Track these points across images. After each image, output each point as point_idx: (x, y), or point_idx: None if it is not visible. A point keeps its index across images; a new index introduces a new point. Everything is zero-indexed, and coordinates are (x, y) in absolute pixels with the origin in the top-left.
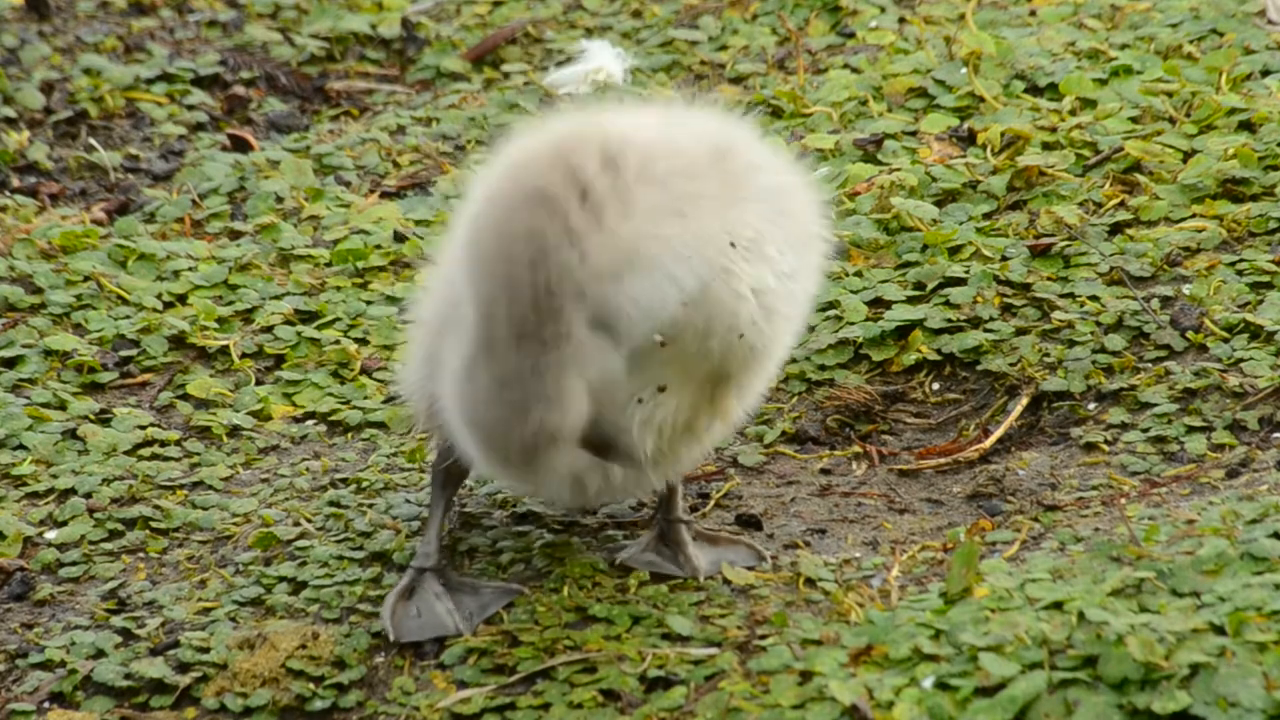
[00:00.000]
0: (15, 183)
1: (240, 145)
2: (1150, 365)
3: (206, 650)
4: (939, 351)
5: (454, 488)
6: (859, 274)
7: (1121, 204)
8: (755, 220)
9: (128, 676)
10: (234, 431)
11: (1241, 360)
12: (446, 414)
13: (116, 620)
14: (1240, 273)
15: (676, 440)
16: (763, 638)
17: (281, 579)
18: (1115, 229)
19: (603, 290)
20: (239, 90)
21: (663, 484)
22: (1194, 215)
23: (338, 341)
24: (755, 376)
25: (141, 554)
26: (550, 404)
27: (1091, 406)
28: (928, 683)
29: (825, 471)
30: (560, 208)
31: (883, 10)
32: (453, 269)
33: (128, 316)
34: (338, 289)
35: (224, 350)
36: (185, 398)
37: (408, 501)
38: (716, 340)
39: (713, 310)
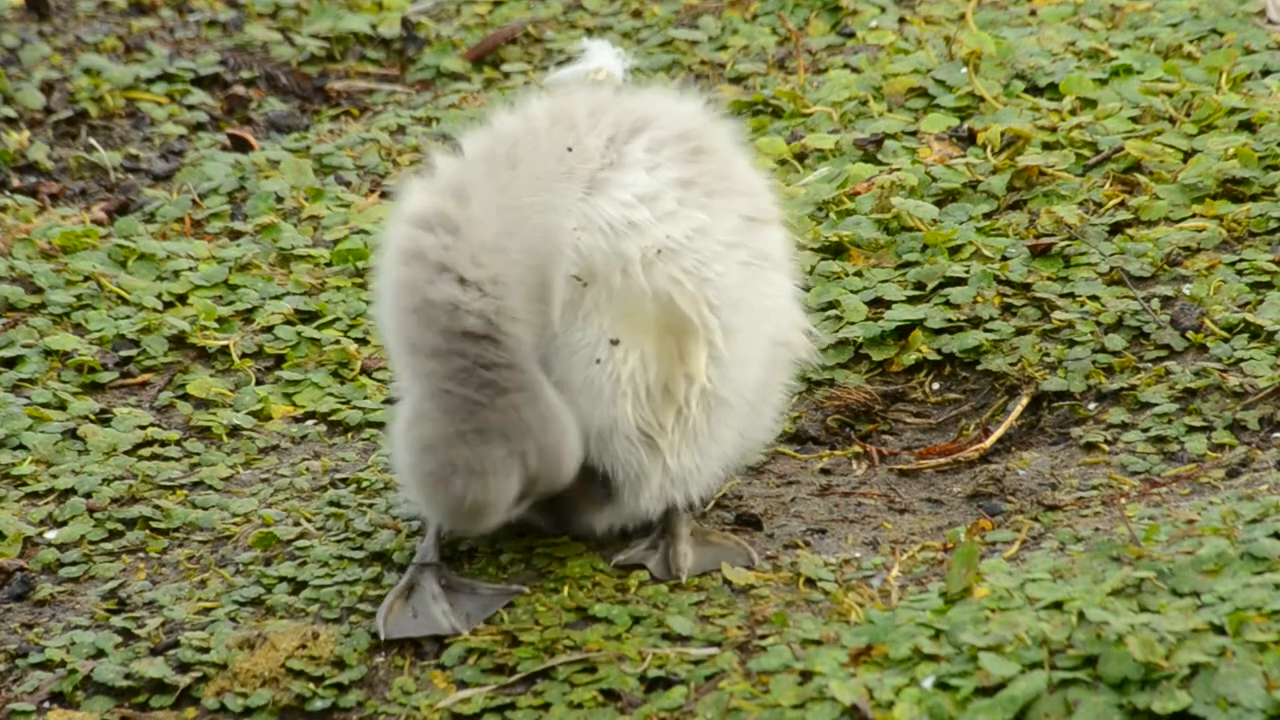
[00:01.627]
0: (15, 183)
1: (240, 145)
2: (1150, 365)
3: (206, 650)
4: (939, 351)
5: None
6: (859, 274)
7: (1121, 204)
8: (594, 140)
9: (128, 676)
10: (234, 431)
11: (1241, 360)
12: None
13: (116, 620)
14: (1240, 273)
15: (661, 410)
16: (763, 638)
17: (281, 579)
18: (1115, 229)
19: (494, 272)
20: (239, 90)
21: (666, 486)
22: (1194, 215)
23: (338, 341)
24: (730, 336)
25: (141, 554)
26: (476, 476)
27: (1091, 406)
28: (928, 683)
29: (825, 471)
30: (419, 247)
31: (883, 10)
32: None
33: (128, 316)
34: (338, 289)
35: (224, 350)
36: (185, 398)
37: (408, 501)
38: (638, 268)
39: (605, 225)
